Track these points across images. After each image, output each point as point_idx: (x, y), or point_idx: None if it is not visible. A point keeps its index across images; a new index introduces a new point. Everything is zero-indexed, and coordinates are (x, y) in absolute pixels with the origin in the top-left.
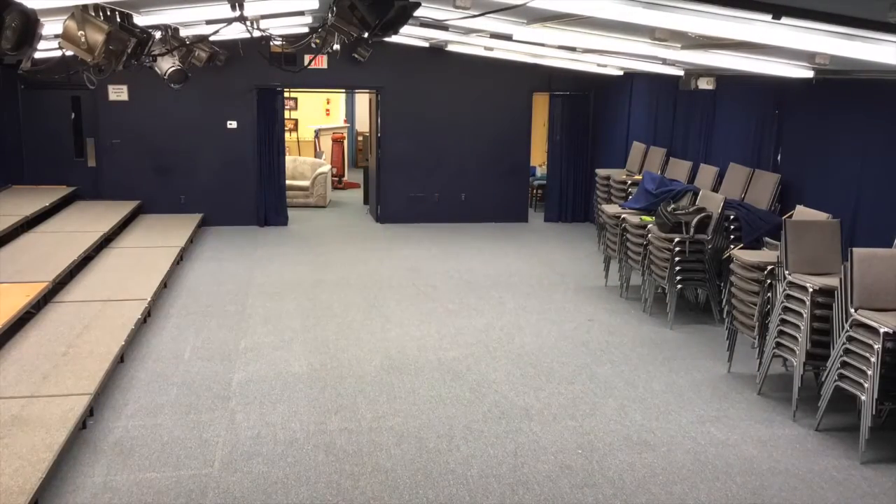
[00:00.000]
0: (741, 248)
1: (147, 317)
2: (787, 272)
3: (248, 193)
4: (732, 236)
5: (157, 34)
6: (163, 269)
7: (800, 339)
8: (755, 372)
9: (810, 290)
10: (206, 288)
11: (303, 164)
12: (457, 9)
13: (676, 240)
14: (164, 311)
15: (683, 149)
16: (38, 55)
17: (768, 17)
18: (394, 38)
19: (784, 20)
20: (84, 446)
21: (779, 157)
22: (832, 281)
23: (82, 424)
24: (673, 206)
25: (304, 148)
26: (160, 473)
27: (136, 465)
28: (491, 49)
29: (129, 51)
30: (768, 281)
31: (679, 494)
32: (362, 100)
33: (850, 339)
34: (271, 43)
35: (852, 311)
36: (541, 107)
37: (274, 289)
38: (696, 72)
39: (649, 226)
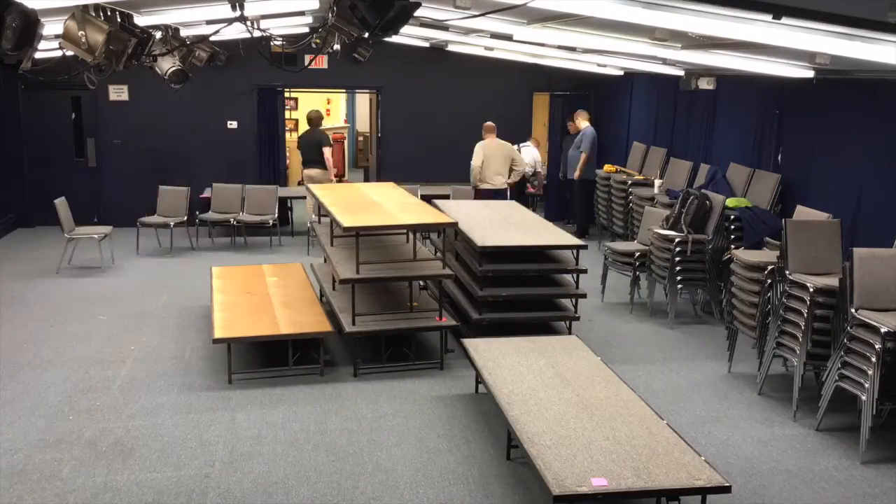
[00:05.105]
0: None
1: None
2: (787, 272)
3: None
4: (733, 237)
5: (158, 34)
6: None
7: (800, 339)
8: (755, 372)
9: (811, 289)
10: (208, 288)
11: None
12: (457, 9)
13: (677, 240)
14: (165, 311)
15: (683, 149)
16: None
17: (768, 17)
18: (394, 38)
19: (784, 20)
20: (84, 446)
21: (779, 157)
22: (832, 281)
23: None
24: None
25: None
26: (161, 473)
27: (136, 465)
28: (491, 49)
29: (129, 51)
30: (769, 281)
31: None
32: (362, 100)
33: (851, 338)
34: (272, 43)
35: (853, 310)
36: (541, 107)
37: None
38: (696, 72)
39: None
